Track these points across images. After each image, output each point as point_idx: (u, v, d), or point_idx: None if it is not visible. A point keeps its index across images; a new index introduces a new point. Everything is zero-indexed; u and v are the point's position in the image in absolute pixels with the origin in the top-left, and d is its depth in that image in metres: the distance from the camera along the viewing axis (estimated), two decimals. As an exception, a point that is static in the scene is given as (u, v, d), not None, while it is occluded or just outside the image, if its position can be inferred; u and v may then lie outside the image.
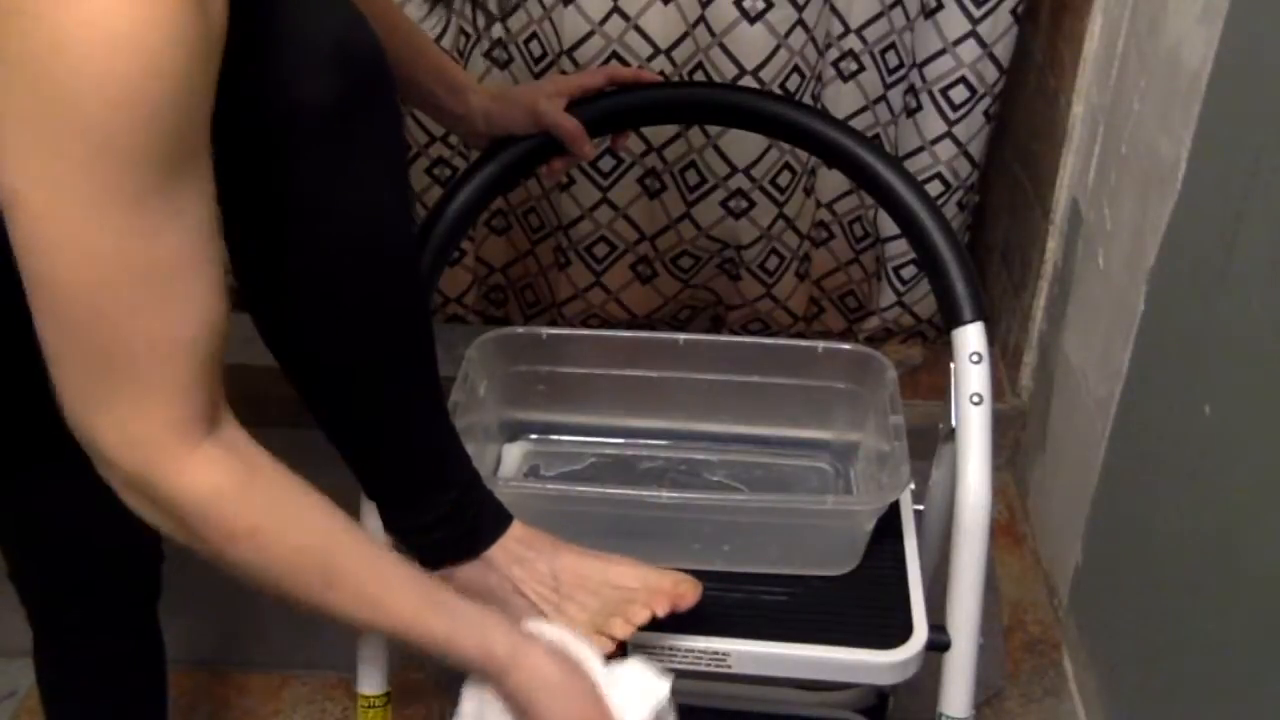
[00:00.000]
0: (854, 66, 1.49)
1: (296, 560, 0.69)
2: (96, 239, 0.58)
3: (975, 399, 0.90)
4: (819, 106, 1.49)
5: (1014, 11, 1.42)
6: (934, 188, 1.53)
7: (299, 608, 0.71)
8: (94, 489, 0.89)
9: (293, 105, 0.67)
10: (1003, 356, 1.62)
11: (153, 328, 0.62)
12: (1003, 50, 1.44)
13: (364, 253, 0.74)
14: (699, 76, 1.45)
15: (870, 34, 1.47)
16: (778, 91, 1.42)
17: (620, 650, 0.85)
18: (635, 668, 0.80)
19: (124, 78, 0.55)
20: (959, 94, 1.47)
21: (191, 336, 0.63)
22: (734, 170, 1.50)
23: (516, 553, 0.86)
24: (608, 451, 1.12)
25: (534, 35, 1.47)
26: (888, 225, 1.58)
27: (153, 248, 0.60)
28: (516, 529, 0.87)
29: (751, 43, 1.40)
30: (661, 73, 1.44)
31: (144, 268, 0.60)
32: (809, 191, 1.56)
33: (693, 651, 0.87)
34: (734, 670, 0.88)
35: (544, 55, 1.47)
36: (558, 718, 0.75)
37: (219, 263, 0.64)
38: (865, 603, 0.92)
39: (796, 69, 1.42)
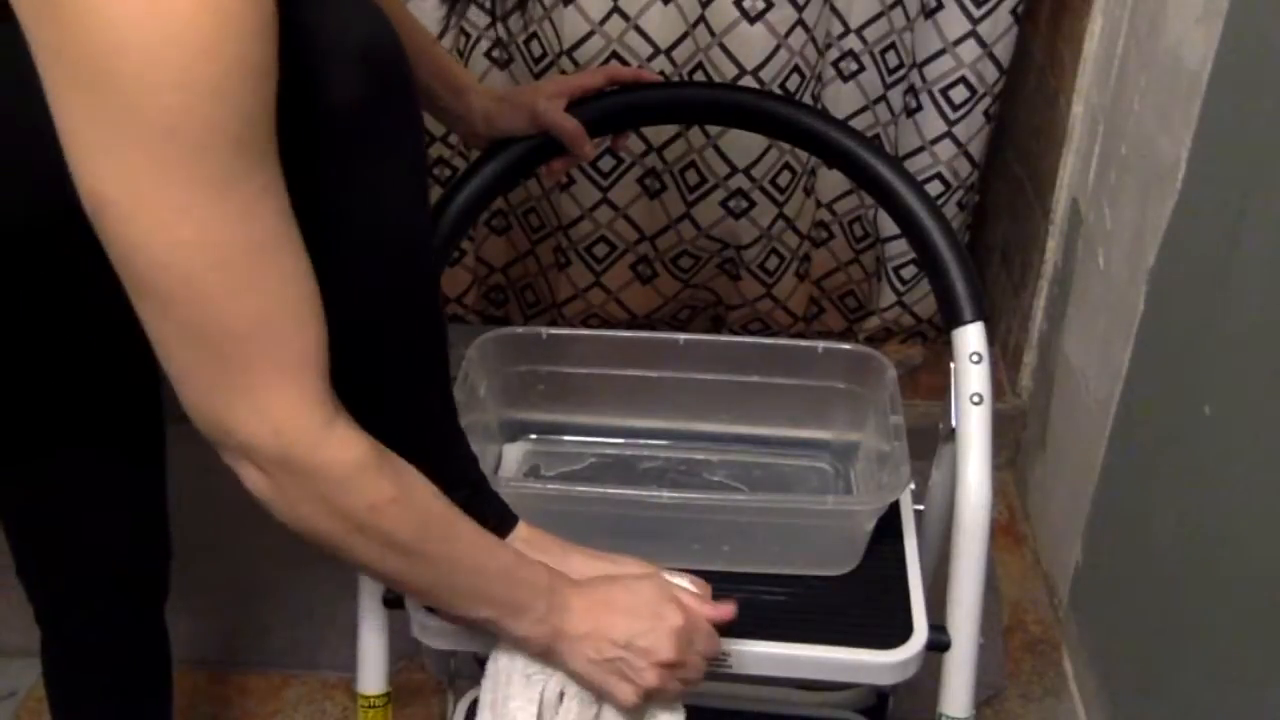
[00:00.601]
0: (854, 66, 1.49)
1: (430, 519, 0.73)
2: (187, 229, 0.59)
3: (975, 399, 0.90)
4: (819, 106, 1.49)
5: (1014, 11, 1.42)
6: (934, 188, 1.53)
7: (411, 573, 0.74)
8: (103, 488, 0.89)
9: (317, 106, 0.67)
10: (1003, 356, 1.62)
11: (261, 308, 0.63)
12: (1003, 50, 1.44)
13: (383, 253, 0.74)
14: (699, 76, 1.45)
15: (870, 34, 1.47)
16: (778, 91, 1.42)
17: None
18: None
19: (180, 66, 0.56)
20: (959, 94, 1.47)
21: (298, 311, 0.65)
22: (734, 170, 1.50)
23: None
24: (608, 451, 1.12)
25: (534, 35, 1.47)
26: (888, 225, 1.58)
27: (245, 230, 0.61)
28: (523, 530, 0.87)
29: (751, 43, 1.40)
30: (661, 73, 1.44)
31: (239, 250, 0.61)
32: (809, 191, 1.57)
33: (693, 651, 0.86)
34: (734, 670, 0.88)
35: (544, 55, 1.47)
36: (639, 599, 0.80)
37: (300, 237, 0.65)
38: (865, 603, 0.92)
39: (796, 69, 1.43)
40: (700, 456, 1.11)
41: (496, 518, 0.87)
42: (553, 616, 0.79)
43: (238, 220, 0.60)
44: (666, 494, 0.94)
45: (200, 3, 0.55)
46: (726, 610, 0.83)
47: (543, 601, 0.78)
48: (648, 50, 1.44)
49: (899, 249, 1.59)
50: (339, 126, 0.68)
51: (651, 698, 0.81)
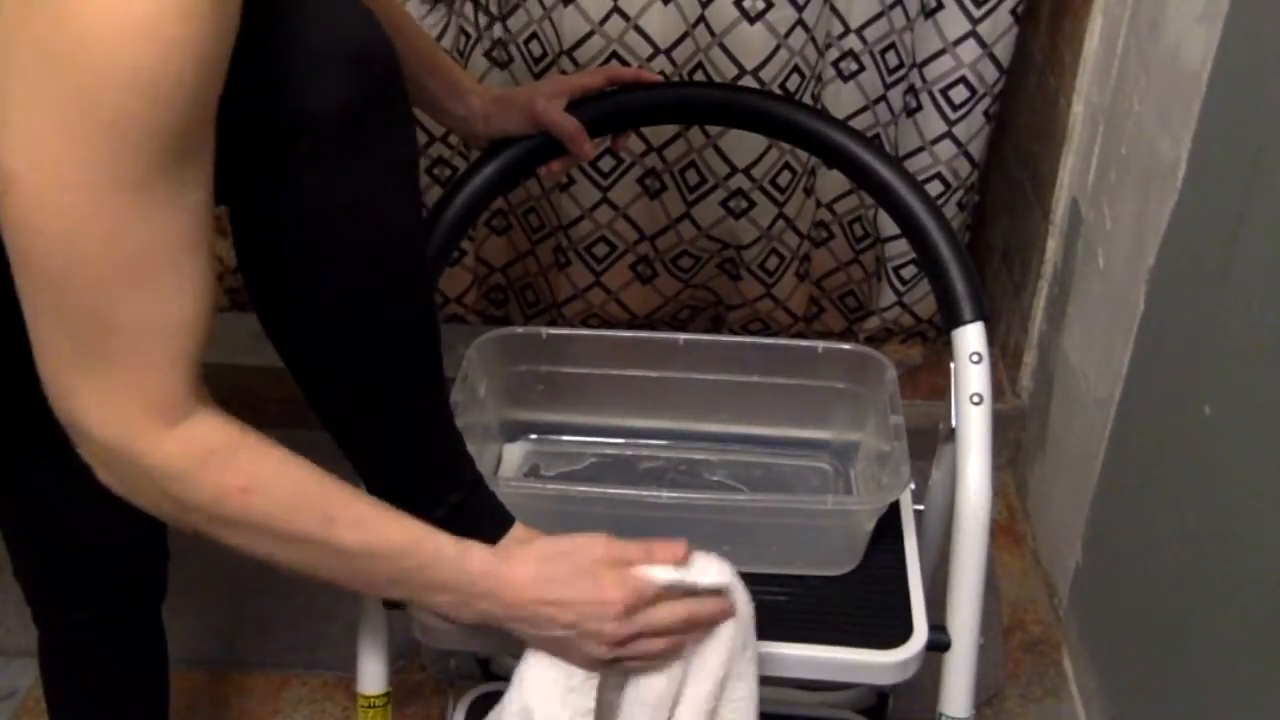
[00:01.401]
0: (854, 66, 1.49)
1: (295, 503, 0.71)
2: (96, 221, 0.59)
3: (975, 399, 0.90)
4: (819, 106, 1.49)
5: (1014, 11, 1.42)
6: (934, 188, 1.53)
7: (293, 560, 0.72)
8: (96, 489, 0.89)
9: (306, 112, 0.67)
10: (1003, 356, 1.62)
11: (144, 310, 0.63)
12: (1003, 50, 1.44)
13: (373, 259, 0.74)
14: (699, 76, 1.45)
15: (870, 34, 1.47)
16: (778, 91, 1.42)
17: None
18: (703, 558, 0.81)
19: (139, 63, 0.55)
20: (959, 94, 1.47)
21: (182, 318, 0.64)
22: (734, 170, 1.50)
23: None
24: (608, 451, 1.12)
25: (534, 35, 1.47)
26: (888, 225, 1.58)
27: (152, 231, 0.61)
28: (518, 530, 0.87)
29: (751, 43, 1.40)
30: (661, 73, 1.44)
31: (143, 250, 0.61)
32: (809, 191, 1.56)
33: (693, 651, 0.87)
34: (734, 670, 0.88)
35: (544, 55, 1.47)
36: (565, 587, 0.76)
37: (212, 244, 0.64)
38: (865, 603, 0.92)
39: (796, 69, 1.43)
40: (700, 456, 1.11)
41: (492, 519, 0.86)
42: (477, 602, 0.76)
43: (149, 221, 0.60)
44: (666, 494, 0.94)
45: (165, 9, 0.55)
46: (677, 549, 0.79)
47: (457, 588, 0.76)
48: (648, 50, 1.44)
49: (899, 249, 1.59)
50: (329, 131, 0.68)
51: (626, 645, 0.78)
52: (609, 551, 0.78)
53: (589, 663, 0.78)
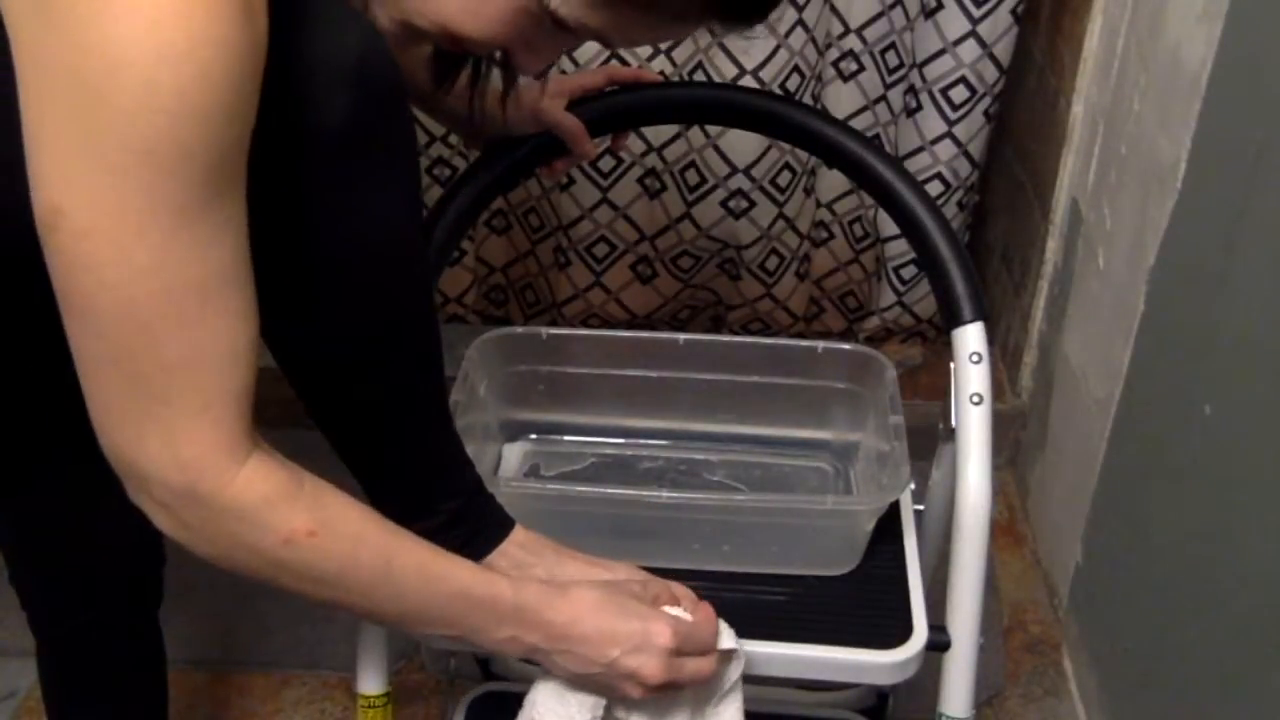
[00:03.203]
0: (854, 66, 1.49)
1: (358, 548, 0.70)
2: (143, 253, 0.58)
3: (975, 399, 0.90)
4: (819, 106, 1.49)
5: (1014, 11, 1.42)
6: (934, 188, 1.53)
7: (354, 602, 0.72)
8: (95, 495, 0.89)
9: (308, 126, 0.66)
10: (1003, 356, 1.62)
11: (198, 343, 0.62)
12: (1003, 50, 1.44)
13: (376, 272, 0.74)
14: (699, 76, 1.45)
15: (870, 34, 1.47)
16: (778, 91, 1.42)
17: None
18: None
19: (173, 90, 0.55)
20: (959, 94, 1.47)
21: (233, 351, 0.63)
22: (734, 170, 1.50)
23: (517, 558, 0.86)
24: (608, 451, 1.12)
25: (534, 35, 1.47)
26: (888, 225, 1.58)
27: (199, 261, 0.60)
28: (519, 534, 0.87)
29: (751, 43, 1.40)
30: (661, 73, 1.44)
31: (190, 282, 0.60)
32: (809, 191, 1.57)
33: (692, 651, 0.86)
34: (733, 670, 0.88)
35: (544, 55, 1.47)
36: (616, 623, 0.77)
37: (251, 275, 0.64)
38: (865, 603, 0.92)
39: (796, 69, 1.42)
40: (700, 456, 1.11)
41: (492, 524, 0.86)
42: (526, 635, 0.76)
43: (194, 251, 0.59)
44: (666, 494, 0.94)
45: (202, 31, 0.55)
46: (707, 613, 0.82)
47: (509, 621, 0.76)
48: (647, 50, 1.44)
49: (899, 249, 1.59)
50: (331, 146, 0.68)
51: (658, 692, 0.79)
52: (647, 590, 0.81)
53: (632, 694, 0.79)
